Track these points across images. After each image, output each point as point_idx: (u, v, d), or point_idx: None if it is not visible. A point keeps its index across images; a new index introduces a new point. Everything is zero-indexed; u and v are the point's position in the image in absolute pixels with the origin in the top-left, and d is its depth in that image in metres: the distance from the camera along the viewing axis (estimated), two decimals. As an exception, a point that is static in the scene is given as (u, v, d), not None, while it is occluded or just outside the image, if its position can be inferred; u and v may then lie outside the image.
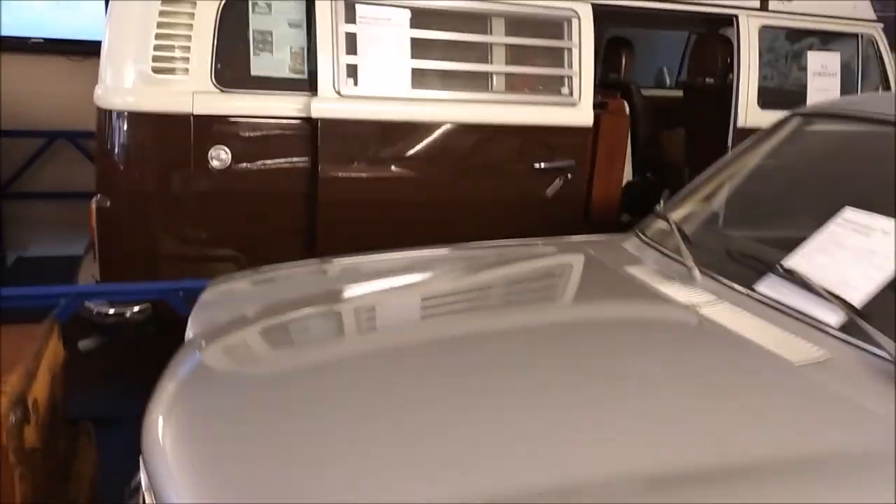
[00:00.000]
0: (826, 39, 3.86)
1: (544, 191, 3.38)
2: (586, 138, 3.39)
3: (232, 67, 2.95)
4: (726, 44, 4.00)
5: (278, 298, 1.87)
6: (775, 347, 1.50)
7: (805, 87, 3.79)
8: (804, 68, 3.81)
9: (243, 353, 1.66)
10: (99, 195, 2.96)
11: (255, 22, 2.97)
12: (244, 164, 2.97)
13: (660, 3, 3.48)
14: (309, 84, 3.02)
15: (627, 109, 4.53)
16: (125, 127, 2.89)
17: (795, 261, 1.69)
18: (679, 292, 1.77)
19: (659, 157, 4.83)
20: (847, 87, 3.85)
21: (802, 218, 2.03)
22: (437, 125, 3.15)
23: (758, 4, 3.66)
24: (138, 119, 2.88)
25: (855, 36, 3.87)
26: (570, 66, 3.31)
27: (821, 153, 2.26)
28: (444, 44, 3.16)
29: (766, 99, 3.69)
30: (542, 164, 3.33)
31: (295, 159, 3.03)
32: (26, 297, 2.25)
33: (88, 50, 4.76)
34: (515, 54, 3.29)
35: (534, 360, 1.50)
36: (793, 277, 1.67)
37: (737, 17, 3.62)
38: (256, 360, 1.64)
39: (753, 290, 1.72)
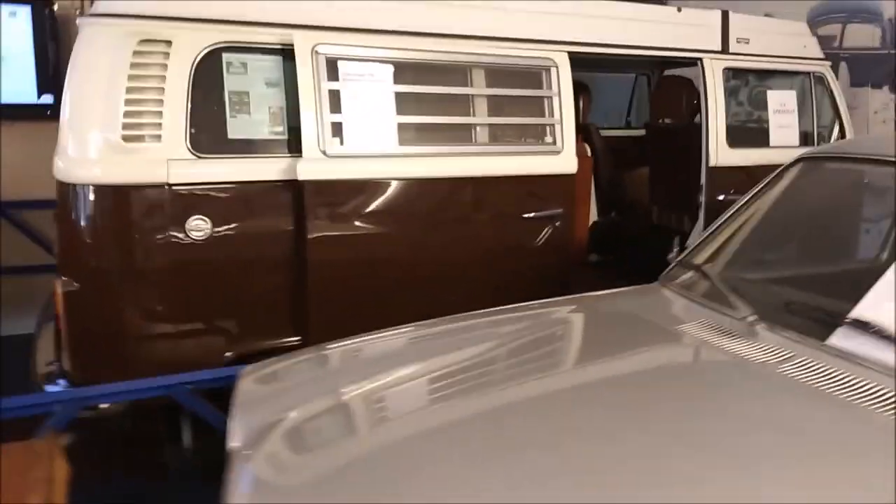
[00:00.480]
0: (781, 79, 4.00)
1: (535, 240, 3.30)
2: (571, 185, 3.35)
3: (207, 131, 2.75)
4: (688, 85, 4.09)
5: (331, 389, 1.68)
6: (870, 404, 1.44)
7: (766, 124, 3.89)
8: (763, 107, 3.92)
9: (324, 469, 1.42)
10: (64, 277, 2.68)
11: (231, 82, 2.79)
12: (226, 233, 2.76)
13: (631, 50, 3.52)
14: (289, 145, 2.86)
15: (589, 151, 4.58)
16: (93, 201, 2.63)
17: (865, 310, 1.65)
18: (748, 349, 1.69)
19: (623, 197, 4.87)
20: (803, 122, 3.99)
21: (839, 258, 2.00)
22: (425, 181, 3.04)
23: (719, 47, 3.76)
24: (108, 192, 2.63)
25: (807, 74, 4.03)
26: (552, 114, 3.28)
27: (838, 193, 2.27)
28: (427, 97, 3.07)
29: (734, 137, 3.76)
30: (532, 214, 3.26)
31: (280, 224, 2.84)
32: (19, 408, 1.96)
33: (19, 114, 4.45)
34: (497, 105, 3.24)
35: (628, 424, 1.39)
36: (865, 327, 1.62)
37: (701, 60, 3.70)
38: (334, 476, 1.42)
39: (824, 342, 1.67)
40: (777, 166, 3.96)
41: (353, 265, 2.94)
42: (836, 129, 4.02)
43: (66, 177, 2.65)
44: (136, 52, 2.60)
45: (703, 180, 3.75)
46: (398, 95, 2.95)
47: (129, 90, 2.60)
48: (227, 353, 2.85)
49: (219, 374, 2.44)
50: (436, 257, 3.10)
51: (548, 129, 3.29)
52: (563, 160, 3.31)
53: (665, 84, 4.36)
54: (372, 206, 2.96)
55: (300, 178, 2.76)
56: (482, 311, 2.17)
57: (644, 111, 5.31)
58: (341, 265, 2.91)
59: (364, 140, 2.88)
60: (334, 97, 2.83)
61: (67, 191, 2.66)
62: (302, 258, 2.83)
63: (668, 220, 4.28)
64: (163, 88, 2.64)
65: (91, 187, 2.62)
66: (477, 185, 3.16)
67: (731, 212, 2.41)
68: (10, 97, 4.41)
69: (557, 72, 3.28)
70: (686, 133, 4.01)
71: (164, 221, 2.68)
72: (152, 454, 2.91)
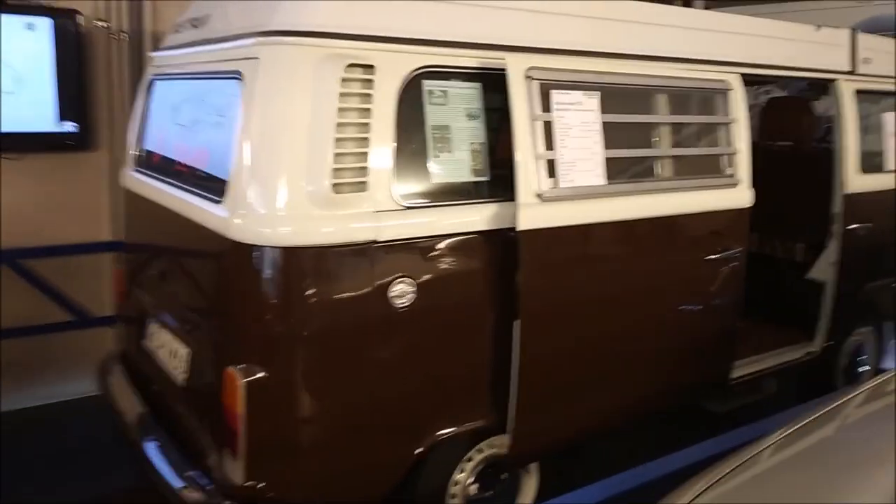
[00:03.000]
0: (890, 102, 3.90)
1: (713, 286, 2.99)
2: (747, 221, 3.07)
3: (412, 175, 2.26)
4: (807, 107, 3.92)
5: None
6: None
7: (884, 148, 3.78)
8: (877, 130, 3.80)
9: None
10: (245, 365, 2.10)
11: (433, 114, 2.31)
12: (430, 298, 2.27)
13: (783, 71, 3.30)
14: (491, 188, 2.41)
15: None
16: (294, 267, 2.08)
17: None
18: None
19: None
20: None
21: None
22: (635, 222, 2.66)
23: (849, 68, 3.61)
24: (311, 256, 2.08)
25: (913, 96, 3.96)
26: (730, 143, 2.99)
27: None
28: (627, 128, 2.70)
29: (863, 163, 3.62)
30: (715, 256, 2.95)
31: (484, 283, 2.38)
32: None
33: (28, 145, 3.66)
34: (682, 134, 2.91)
35: None
36: None
37: (836, 81, 3.53)
38: None
39: None
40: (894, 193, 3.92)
41: (573, 329, 2.52)
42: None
43: (249, 237, 2.08)
44: (344, 80, 2.08)
45: (836, 208, 3.57)
46: (606, 126, 2.56)
47: (338, 127, 2.07)
48: (418, 449, 2.37)
49: None
50: (652, 316, 2.76)
51: (727, 159, 2.99)
52: (741, 193, 3.02)
53: (779, 105, 4.19)
54: (593, 259, 2.57)
55: (519, 227, 2.32)
56: None
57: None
58: (559, 330, 2.48)
59: (579, 179, 2.47)
60: (547, 130, 2.41)
61: (250, 255, 2.09)
62: (511, 323, 2.38)
63: (789, 251, 4.10)
64: (368, 124, 2.13)
65: (291, 250, 2.06)
66: (676, 224, 2.82)
67: None
68: (23, 124, 3.62)
69: (734, 95, 2.99)
70: (811, 157, 3.85)
71: (368, 288, 2.16)
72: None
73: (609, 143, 2.56)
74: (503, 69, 2.32)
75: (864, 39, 3.68)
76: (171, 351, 2.63)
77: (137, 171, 3.05)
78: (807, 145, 3.93)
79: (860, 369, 4.00)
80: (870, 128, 3.76)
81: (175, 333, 2.63)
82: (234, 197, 2.12)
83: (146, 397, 2.82)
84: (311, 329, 2.11)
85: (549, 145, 2.41)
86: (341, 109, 2.07)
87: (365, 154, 2.13)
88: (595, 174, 2.52)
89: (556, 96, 2.43)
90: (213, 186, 2.26)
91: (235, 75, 2.21)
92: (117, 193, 3.54)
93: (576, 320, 2.54)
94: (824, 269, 3.67)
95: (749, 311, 3.28)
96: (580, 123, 2.48)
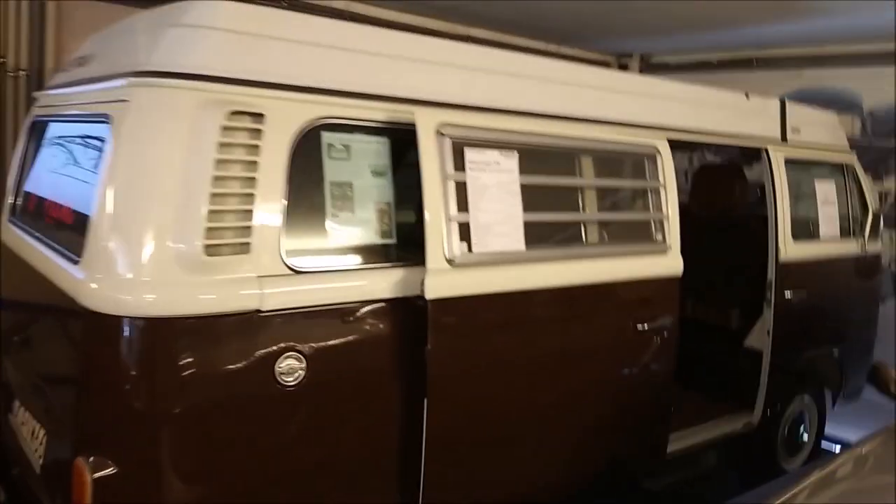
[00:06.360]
0: (821, 170, 3.87)
1: (645, 356, 2.80)
2: (677, 290, 2.91)
3: (305, 235, 2.02)
4: (740, 174, 3.85)
5: None
6: None
7: (814, 217, 3.71)
8: (806, 198, 3.75)
9: None
10: (96, 456, 1.77)
11: (332, 171, 2.08)
12: (324, 375, 2.00)
13: (713, 137, 3.20)
14: (398, 252, 2.18)
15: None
16: (156, 343, 1.79)
17: None
18: None
19: None
20: (841, 212, 3.86)
21: None
22: (556, 291, 2.46)
23: (779, 136, 3.56)
24: (180, 329, 1.79)
25: (842, 165, 3.94)
26: (659, 208, 2.84)
27: None
28: (546, 191, 2.52)
29: (796, 231, 3.54)
30: (645, 325, 2.77)
31: (387, 355, 2.13)
32: None
33: None
34: (608, 199, 2.76)
35: None
36: None
37: (767, 149, 3.46)
38: None
39: None
40: (828, 261, 3.86)
41: (488, 406, 2.28)
42: (869, 222, 3.92)
43: (104, 305, 1.79)
44: (225, 129, 1.84)
45: (771, 276, 3.46)
46: (525, 189, 2.37)
47: (216, 181, 1.81)
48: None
49: None
50: (576, 390, 2.55)
51: (656, 225, 2.84)
52: (671, 260, 2.87)
53: (709, 172, 4.11)
54: (510, 331, 2.34)
55: (428, 295, 2.08)
56: None
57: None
58: (472, 408, 2.24)
59: (495, 244, 2.26)
60: (461, 191, 2.21)
61: (105, 326, 1.79)
62: (420, 400, 2.12)
63: (724, 318, 3.97)
64: (254, 179, 1.89)
65: (153, 322, 1.77)
66: (597, 293, 2.63)
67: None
68: None
69: (662, 159, 2.86)
70: (743, 224, 3.76)
71: (250, 366, 1.88)
72: None
73: (529, 206, 2.37)
74: (413, 124, 2.13)
75: (793, 109, 3.65)
76: (31, 430, 2.29)
77: (12, 221, 2.73)
78: (739, 212, 3.85)
79: (800, 439, 3.86)
80: (800, 196, 3.70)
81: (34, 411, 2.28)
82: (91, 257, 1.83)
83: (7, 482, 2.45)
84: (177, 415, 1.81)
85: (463, 207, 2.20)
86: (221, 161, 1.82)
87: (249, 212, 1.88)
88: (512, 238, 2.31)
89: (471, 154, 2.24)
90: (73, 243, 1.97)
91: (104, 119, 1.95)
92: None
93: (490, 397, 2.30)
94: (760, 337, 3.54)
95: (684, 381, 3.11)
96: (496, 184, 2.29)
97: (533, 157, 2.44)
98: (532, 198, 2.40)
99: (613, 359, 2.72)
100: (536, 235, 2.41)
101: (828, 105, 4.11)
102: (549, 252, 2.46)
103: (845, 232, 3.87)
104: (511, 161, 2.34)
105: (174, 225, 1.77)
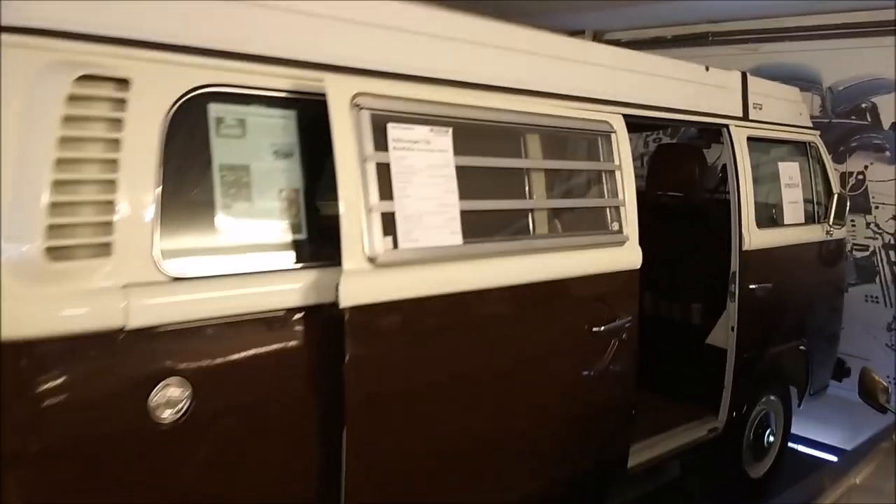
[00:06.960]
0: (784, 149, 3.63)
1: (602, 360, 2.50)
2: (636, 284, 2.61)
3: (186, 232, 1.64)
4: (699, 154, 3.58)
5: None
6: None
7: (778, 200, 3.46)
8: (769, 181, 3.50)
9: None
10: None
11: (222, 151, 1.70)
12: (214, 405, 1.63)
13: (670, 114, 2.90)
14: (310, 250, 1.81)
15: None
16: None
17: None
18: None
19: None
20: (805, 195, 3.63)
21: None
22: (499, 291, 2.12)
23: (741, 114, 3.28)
24: (13, 355, 1.39)
25: (805, 144, 3.70)
26: (616, 193, 2.53)
27: None
28: (486, 173, 2.18)
29: (759, 217, 3.27)
30: (602, 326, 2.46)
31: (303, 377, 1.77)
32: None
33: None
34: (558, 184, 2.43)
35: None
36: None
37: (728, 127, 3.19)
38: None
39: None
40: (794, 247, 3.61)
41: (419, 426, 1.94)
42: (834, 205, 3.69)
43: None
44: (72, 98, 1.44)
45: (734, 266, 3.19)
46: (462, 172, 2.02)
47: (59, 165, 1.42)
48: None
49: None
50: (525, 402, 2.22)
51: (613, 212, 2.53)
52: (630, 252, 2.56)
53: (667, 152, 3.82)
54: (445, 340, 1.99)
55: (344, 302, 1.72)
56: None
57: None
58: (401, 429, 1.90)
59: (426, 238, 1.91)
60: (383, 174, 1.85)
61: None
62: (338, 427, 1.77)
63: (685, 313, 3.70)
64: (115, 161, 1.50)
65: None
66: (548, 292, 2.30)
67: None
68: None
69: (618, 139, 2.55)
70: (703, 210, 3.48)
71: (114, 395, 1.50)
72: None
73: (466, 192, 2.02)
74: (323, 94, 1.76)
75: (755, 83, 3.38)
76: None
77: None
78: (698, 197, 3.57)
79: (766, 442, 3.62)
80: (763, 179, 3.44)
81: None
82: None
83: None
84: (22, 459, 1.42)
85: (387, 194, 1.84)
86: (66, 140, 1.43)
87: (110, 203, 1.49)
88: (447, 231, 1.96)
89: (395, 131, 1.88)
90: None
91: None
92: None
93: (423, 418, 1.96)
94: (723, 334, 3.28)
95: (645, 383, 2.83)
96: (427, 167, 1.94)
97: (470, 135, 2.08)
98: (470, 183, 2.05)
99: (567, 366, 2.41)
100: (475, 227, 2.07)
101: (786, 82, 3.87)
102: (491, 247, 2.12)
103: (809, 216, 3.65)
104: (444, 139, 1.99)
105: (3, 223, 1.37)
